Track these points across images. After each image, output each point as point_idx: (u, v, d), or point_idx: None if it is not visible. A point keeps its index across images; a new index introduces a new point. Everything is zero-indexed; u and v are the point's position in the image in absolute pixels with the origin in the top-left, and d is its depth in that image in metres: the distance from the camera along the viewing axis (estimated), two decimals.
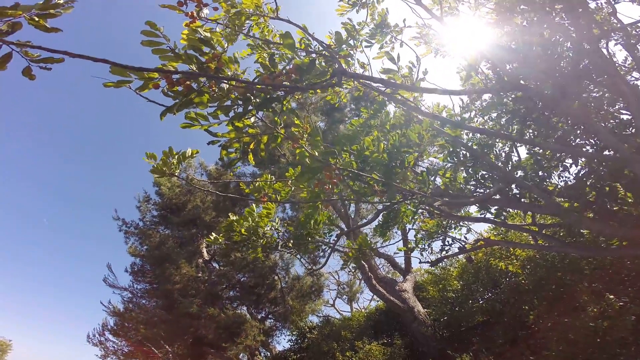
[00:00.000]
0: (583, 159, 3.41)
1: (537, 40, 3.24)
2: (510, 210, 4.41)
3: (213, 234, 3.92)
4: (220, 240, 3.94)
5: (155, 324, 11.47)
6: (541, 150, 3.77)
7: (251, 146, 2.41)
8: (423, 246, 4.54)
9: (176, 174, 2.84)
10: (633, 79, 4.03)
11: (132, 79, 2.06)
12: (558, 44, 3.28)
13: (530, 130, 3.85)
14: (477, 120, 4.51)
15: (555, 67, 3.01)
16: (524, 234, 4.64)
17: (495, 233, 4.75)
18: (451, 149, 3.79)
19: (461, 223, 4.71)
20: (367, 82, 3.58)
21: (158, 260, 12.38)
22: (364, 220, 11.26)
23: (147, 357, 14.19)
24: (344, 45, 3.72)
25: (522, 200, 3.63)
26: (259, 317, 13.27)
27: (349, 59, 3.62)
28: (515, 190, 3.59)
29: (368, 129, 3.81)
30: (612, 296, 4.09)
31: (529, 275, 5.40)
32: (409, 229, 5.38)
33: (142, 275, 14.58)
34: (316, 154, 2.45)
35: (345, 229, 10.46)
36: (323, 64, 3.20)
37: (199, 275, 12.31)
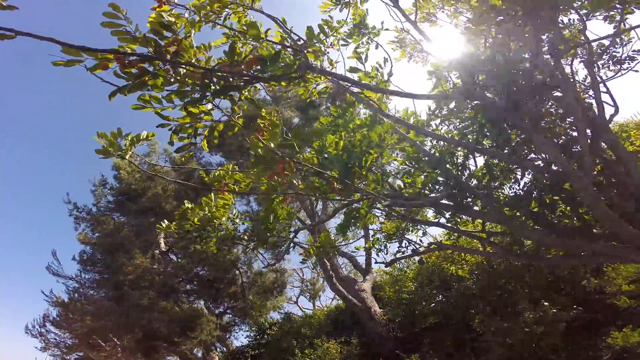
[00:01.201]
0: (530, 172, 3.67)
1: (502, 52, 3.43)
2: (464, 217, 4.64)
3: (165, 221, 3.80)
4: (173, 228, 3.84)
5: (103, 315, 10.94)
6: (496, 161, 4.01)
7: (205, 133, 2.38)
8: (380, 246, 4.69)
9: (127, 157, 2.73)
10: (588, 96, 4.38)
11: (83, 58, 2.02)
12: (521, 58, 3.49)
13: (486, 141, 4.08)
14: (442, 129, 4.71)
15: (513, 79, 3.20)
16: (475, 240, 4.93)
17: (448, 238, 5.00)
18: (411, 154, 3.94)
19: (418, 226, 4.92)
20: (337, 80, 3.64)
21: (110, 249, 11.81)
22: (323, 217, 11.36)
23: (93, 350, 13.53)
24: (315, 41, 3.74)
25: (474, 207, 3.84)
26: (217, 312, 13.05)
27: (319, 54, 3.65)
28: (468, 198, 3.80)
29: (335, 128, 3.86)
30: (547, 303, 4.45)
31: (477, 280, 5.73)
32: (371, 230, 5.51)
33: (92, 265, 13.83)
34: (272, 145, 2.46)
35: (309, 225, 10.53)
36: (292, 57, 3.21)
37: (154, 266, 11.88)
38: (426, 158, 3.95)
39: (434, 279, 6.95)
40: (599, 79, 4.40)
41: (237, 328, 13.75)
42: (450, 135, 4.53)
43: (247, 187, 3.92)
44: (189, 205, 3.74)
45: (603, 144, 3.53)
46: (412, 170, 3.66)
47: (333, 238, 5.92)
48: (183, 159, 14.65)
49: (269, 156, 2.46)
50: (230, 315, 13.36)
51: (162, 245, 13.40)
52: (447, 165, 3.80)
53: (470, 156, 4.05)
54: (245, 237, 3.58)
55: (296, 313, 16.30)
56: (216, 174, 3.91)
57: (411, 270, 8.66)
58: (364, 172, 2.95)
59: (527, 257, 3.94)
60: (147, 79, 2.23)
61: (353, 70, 3.54)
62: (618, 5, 3.61)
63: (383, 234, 4.90)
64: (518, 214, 3.35)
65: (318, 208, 13.18)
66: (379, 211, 4.28)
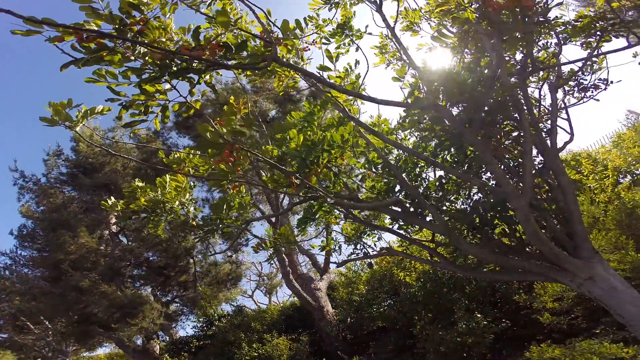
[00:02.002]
0: (477, 188, 3.93)
1: (471, 68, 3.63)
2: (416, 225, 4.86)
3: (112, 198, 3.67)
4: (119, 207, 3.71)
5: (35, 296, 10.24)
6: (449, 175, 4.26)
7: (158, 112, 2.36)
8: (335, 247, 4.82)
9: (77, 128, 2.63)
10: (546, 118, 4.71)
11: (42, 29, 2.07)
12: (485, 75, 3.70)
13: (444, 154, 4.30)
14: (410, 139, 4.91)
15: (473, 95, 3.38)
16: (425, 250, 5.18)
17: (400, 245, 5.22)
18: (373, 159, 4.09)
19: (375, 232, 5.10)
20: (304, 75, 3.70)
21: (53, 225, 11.06)
22: (280, 211, 11.31)
23: (20, 333, 12.64)
24: (290, 35, 3.78)
25: (425, 218, 4.05)
26: (164, 300, 12.65)
27: (291, 48, 3.69)
28: (419, 209, 4.00)
29: (307, 124, 3.92)
30: (479, 315, 4.78)
31: (421, 287, 6.03)
32: (334, 230, 5.60)
33: (31, 241, 12.90)
34: (224, 131, 2.48)
35: (262, 217, 10.50)
36: (262, 48, 3.22)
37: (101, 247, 11.30)
38: (381, 165, 4.12)
39: (384, 283, 7.20)
40: (562, 104, 4.79)
41: (184, 318, 13.42)
42: (415, 145, 4.74)
43: (205, 173, 3.88)
44: (139, 184, 3.64)
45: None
46: (372, 175, 3.80)
47: (295, 233, 5.97)
48: (147, 137, 14.07)
49: (216, 140, 2.47)
50: (179, 304, 13.01)
51: (113, 226, 12.79)
52: (404, 175, 3.99)
53: (429, 168, 4.27)
54: (194, 224, 3.55)
55: (250, 307, 16.17)
56: (176, 155, 3.84)
57: (365, 273, 8.91)
58: (319, 170, 3.03)
59: (467, 269, 4.19)
60: (104, 54, 2.24)
61: (323, 68, 3.62)
62: (598, 33, 3.91)
63: (345, 235, 5.02)
64: (460, 227, 3.59)
65: (285, 202, 13.16)
66: (342, 212, 4.39)
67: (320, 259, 11.58)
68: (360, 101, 4.61)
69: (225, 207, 3.72)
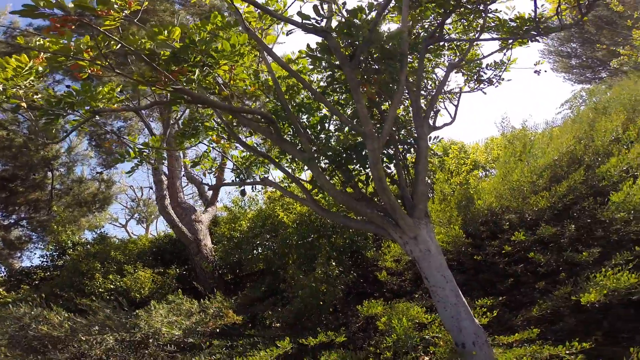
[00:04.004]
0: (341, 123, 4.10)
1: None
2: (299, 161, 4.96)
3: None
4: None
5: None
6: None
7: None
8: (210, 168, 4.68)
9: None
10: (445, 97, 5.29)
11: None
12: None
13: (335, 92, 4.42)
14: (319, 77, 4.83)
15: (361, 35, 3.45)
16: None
17: (282, 181, 5.33)
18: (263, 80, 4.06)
19: (265, 166, 5.12)
20: None
21: None
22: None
23: None
24: None
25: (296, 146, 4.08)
26: (6, 222, 10.77)
27: None
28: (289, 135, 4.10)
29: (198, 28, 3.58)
30: (334, 263, 5.35)
31: (295, 230, 6.35)
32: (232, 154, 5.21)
33: None
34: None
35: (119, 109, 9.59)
36: None
37: None
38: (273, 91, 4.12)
39: (267, 223, 7.36)
40: (457, 89, 5.36)
41: (32, 246, 11.68)
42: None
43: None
44: None
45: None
46: (252, 90, 3.77)
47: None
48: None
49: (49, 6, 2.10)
50: (25, 229, 11.24)
51: None
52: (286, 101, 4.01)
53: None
54: (23, 105, 3.01)
55: (122, 237, 14.73)
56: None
57: (252, 210, 8.92)
58: (189, 68, 2.87)
59: (328, 212, 4.44)
60: None
61: None
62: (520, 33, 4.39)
63: (234, 163, 4.86)
64: (323, 161, 3.84)
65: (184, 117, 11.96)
66: (226, 129, 4.24)
67: (210, 193, 11.03)
68: (281, 30, 4.37)
69: (76, 94, 3.24)
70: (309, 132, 3.99)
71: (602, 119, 5.92)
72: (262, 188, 7.50)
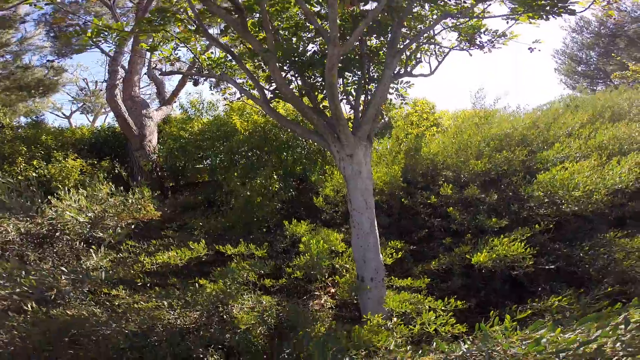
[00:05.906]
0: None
1: None
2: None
3: None
4: None
5: None
6: None
7: None
8: (169, 56, 4.36)
9: None
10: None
11: None
12: None
13: None
14: None
15: None
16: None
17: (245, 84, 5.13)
18: None
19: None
20: None
21: None
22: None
23: None
24: None
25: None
26: None
27: None
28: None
29: None
30: (276, 177, 5.39)
31: (247, 139, 6.25)
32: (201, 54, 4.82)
33: None
34: None
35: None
36: None
37: None
38: None
39: (221, 130, 7.12)
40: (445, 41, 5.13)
41: None
42: None
43: None
44: None
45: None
46: None
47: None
48: None
49: None
50: None
51: None
52: None
53: None
54: None
55: (64, 127, 13.77)
56: None
57: (209, 117, 8.59)
58: None
59: (283, 119, 4.50)
60: None
61: None
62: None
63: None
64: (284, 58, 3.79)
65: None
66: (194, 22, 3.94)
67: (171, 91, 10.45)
68: None
69: None
70: (280, 34, 3.87)
71: (568, 114, 6.22)
72: (222, 95, 7.15)
